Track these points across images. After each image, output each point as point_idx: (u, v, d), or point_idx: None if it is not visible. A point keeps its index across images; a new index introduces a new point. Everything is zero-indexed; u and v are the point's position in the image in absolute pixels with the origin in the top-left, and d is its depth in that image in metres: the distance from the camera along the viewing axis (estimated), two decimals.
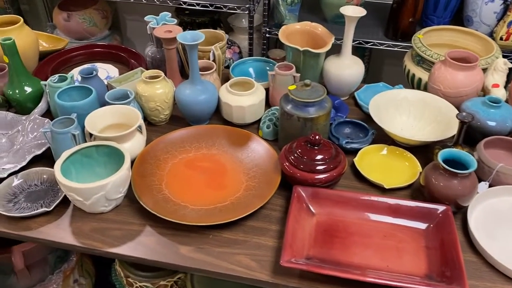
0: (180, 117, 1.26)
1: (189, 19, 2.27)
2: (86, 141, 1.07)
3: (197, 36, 1.11)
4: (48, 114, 1.22)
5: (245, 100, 1.18)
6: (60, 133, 1.01)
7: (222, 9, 1.99)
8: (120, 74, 1.42)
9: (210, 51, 1.31)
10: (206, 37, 1.40)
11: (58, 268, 1.35)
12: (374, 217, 0.95)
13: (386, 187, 1.02)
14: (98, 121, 1.08)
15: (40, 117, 1.17)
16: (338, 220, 0.95)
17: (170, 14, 1.38)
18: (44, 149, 1.07)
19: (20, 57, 1.18)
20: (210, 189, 1.04)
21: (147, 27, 1.35)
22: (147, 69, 1.37)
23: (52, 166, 1.06)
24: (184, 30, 2.25)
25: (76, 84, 1.20)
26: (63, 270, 1.36)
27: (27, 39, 1.32)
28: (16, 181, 1.02)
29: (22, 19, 1.33)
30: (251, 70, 1.42)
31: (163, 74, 1.19)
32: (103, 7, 2.47)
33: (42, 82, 1.19)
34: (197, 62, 1.14)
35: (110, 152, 1.01)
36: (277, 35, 2.04)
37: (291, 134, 1.09)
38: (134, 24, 2.76)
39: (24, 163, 1.02)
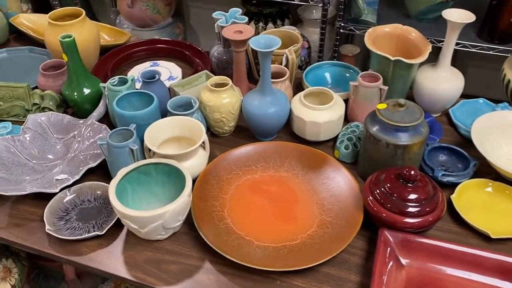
0: (244, 127, 1.13)
1: (256, 10, 2.12)
2: (144, 155, 0.97)
3: (272, 41, 0.97)
4: (106, 117, 1.14)
5: (321, 115, 1.03)
6: (118, 147, 0.91)
7: (294, 0, 1.82)
8: (183, 74, 1.31)
9: (282, 55, 1.16)
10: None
11: None
12: (478, 277, 0.77)
13: (493, 236, 0.84)
14: (159, 133, 0.97)
15: (97, 123, 1.08)
16: (433, 277, 0.78)
17: (240, 11, 1.24)
18: (99, 161, 0.98)
19: (79, 56, 1.10)
20: (277, 220, 0.90)
21: (215, 25, 1.22)
22: (212, 71, 1.25)
23: (106, 179, 0.98)
24: (250, 21, 2.11)
25: (137, 84, 1.11)
26: (114, 279, 1.29)
27: (88, 35, 1.23)
28: (68, 195, 0.94)
29: (84, 12, 1.24)
30: (327, 75, 1.25)
31: (230, 82, 1.06)
32: None
33: (101, 84, 1.10)
34: (270, 70, 1.00)
35: (170, 171, 0.90)
36: (352, 30, 1.86)
37: (376, 161, 0.93)
38: (198, 11, 2.66)
39: (77, 177, 0.94)
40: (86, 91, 1.13)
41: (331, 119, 1.03)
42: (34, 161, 1.02)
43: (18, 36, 1.54)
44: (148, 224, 0.81)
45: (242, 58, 1.14)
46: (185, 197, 0.83)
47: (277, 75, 1.13)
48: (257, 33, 1.98)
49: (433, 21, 1.81)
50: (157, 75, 1.08)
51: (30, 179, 0.98)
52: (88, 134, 1.07)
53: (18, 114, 1.16)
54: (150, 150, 0.95)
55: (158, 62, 1.36)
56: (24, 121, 1.15)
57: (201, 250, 0.85)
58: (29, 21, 1.51)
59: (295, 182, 0.97)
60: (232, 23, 1.19)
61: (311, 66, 1.24)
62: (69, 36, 1.07)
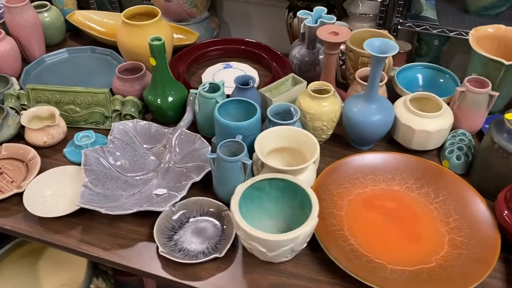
0: (338, 135, 1.07)
1: (303, 4, 2.04)
2: (252, 169, 0.90)
3: (388, 46, 0.90)
4: (191, 124, 1.07)
5: (431, 123, 0.97)
6: (230, 161, 0.84)
7: None
8: (260, 76, 1.24)
9: None
10: (365, 38, 1.19)
11: None
12: None
13: None
14: (264, 144, 0.91)
15: (188, 132, 1.01)
16: None
17: (325, 10, 1.17)
18: (203, 174, 0.91)
19: (166, 60, 1.02)
20: (402, 240, 0.84)
21: (301, 25, 1.15)
22: (294, 73, 1.19)
23: (207, 192, 0.93)
24: (294, 16, 2.01)
25: (224, 90, 1.04)
26: None
27: (165, 35, 1.15)
28: (176, 213, 0.87)
29: (160, 12, 1.16)
30: (419, 77, 1.19)
31: (332, 88, 0.99)
32: None
33: (192, 91, 1.03)
34: (380, 76, 0.94)
35: (284, 187, 0.84)
36: (411, 27, 1.79)
37: (502, 174, 0.87)
38: (230, 4, 2.58)
39: (184, 193, 0.87)
40: (171, 97, 1.06)
41: (443, 128, 0.97)
42: (127, 174, 0.96)
43: (73, 34, 1.46)
44: (279, 248, 0.75)
45: (334, 61, 1.08)
46: (315, 218, 0.77)
47: None
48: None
49: (494, 17, 1.74)
50: (251, 81, 1.01)
51: (127, 194, 0.91)
52: (179, 144, 1.00)
53: (97, 121, 1.09)
54: (258, 162, 0.89)
55: (231, 63, 1.29)
56: (102, 128, 1.09)
57: (328, 274, 0.80)
58: (86, 18, 1.43)
59: (410, 197, 0.92)
60: (321, 23, 1.12)
61: (402, 67, 1.18)
62: (159, 39, 0.99)
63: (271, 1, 2.40)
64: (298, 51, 1.20)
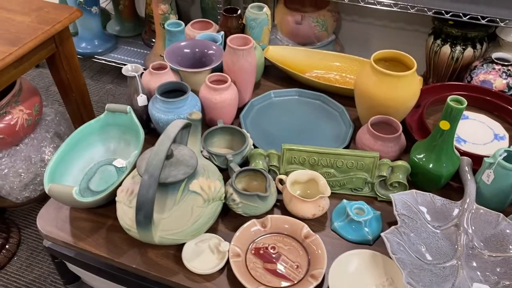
0: None
1: (459, 32, 1.87)
2: None
3: None
4: None
5: None
6: None
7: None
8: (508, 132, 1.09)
9: None
10: None
11: None
12: None
13: None
14: None
15: (484, 209, 0.86)
16: None
17: None
18: None
19: (457, 126, 0.88)
20: None
21: None
22: None
23: None
24: (443, 43, 1.81)
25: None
26: None
27: (415, 89, 1.01)
28: None
29: (415, 62, 1.00)
30: None
31: None
32: (335, 8, 2.15)
33: (487, 159, 0.88)
34: None
35: None
36: None
37: None
38: (348, 25, 2.43)
39: None
40: (446, 164, 0.91)
41: None
42: (428, 262, 0.81)
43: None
44: None
45: None
46: None
47: None
48: (451, 57, 1.76)
49: None
50: None
51: None
52: (474, 224, 0.85)
53: (356, 187, 0.95)
54: None
55: (466, 113, 1.14)
56: (359, 195, 0.96)
57: None
58: (279, 54, 1.30)
59: None
60: None
61: None
62: (459, 101, 0.85)
63: (399, 23, 2.24)
64: None
